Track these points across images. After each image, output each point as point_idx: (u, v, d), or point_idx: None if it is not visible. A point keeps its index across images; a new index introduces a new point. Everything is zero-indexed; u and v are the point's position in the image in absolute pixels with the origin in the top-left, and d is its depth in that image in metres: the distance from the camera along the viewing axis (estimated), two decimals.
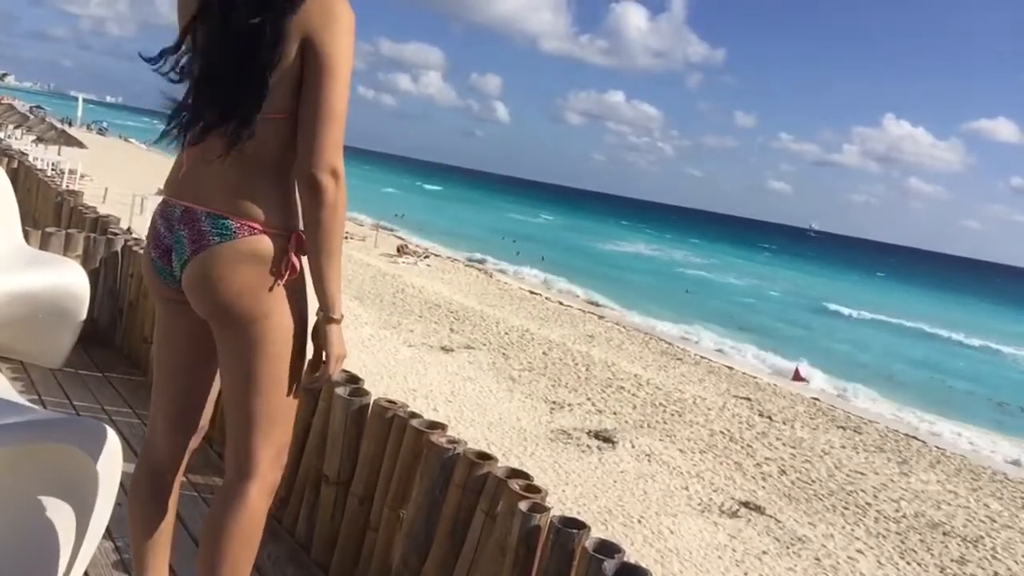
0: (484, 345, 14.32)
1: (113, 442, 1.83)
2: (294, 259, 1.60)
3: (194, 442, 1.83)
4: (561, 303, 23.58)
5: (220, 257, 1.56)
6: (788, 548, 7.69)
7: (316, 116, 1.52)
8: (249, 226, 1.56)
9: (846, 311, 38.07)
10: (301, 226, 1.61)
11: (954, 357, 29.82)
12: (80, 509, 1.81)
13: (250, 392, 1.63)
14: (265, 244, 1.57)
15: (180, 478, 1.84)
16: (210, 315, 1.62)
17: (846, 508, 9.19)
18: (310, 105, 1.53)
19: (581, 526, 1.79)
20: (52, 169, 17.13)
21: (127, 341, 4.36)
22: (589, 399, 11.82)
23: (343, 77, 1.53)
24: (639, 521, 7.62)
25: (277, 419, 1.66)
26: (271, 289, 1.58)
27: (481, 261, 31.03)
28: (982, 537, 9.21)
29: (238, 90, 1.52)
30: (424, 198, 79.35)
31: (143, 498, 1.79)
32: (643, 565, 1.71)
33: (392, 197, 65.08)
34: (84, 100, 59.05)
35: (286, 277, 1.59)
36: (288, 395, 1.67)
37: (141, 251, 4.30)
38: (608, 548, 1.72)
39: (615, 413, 11.29)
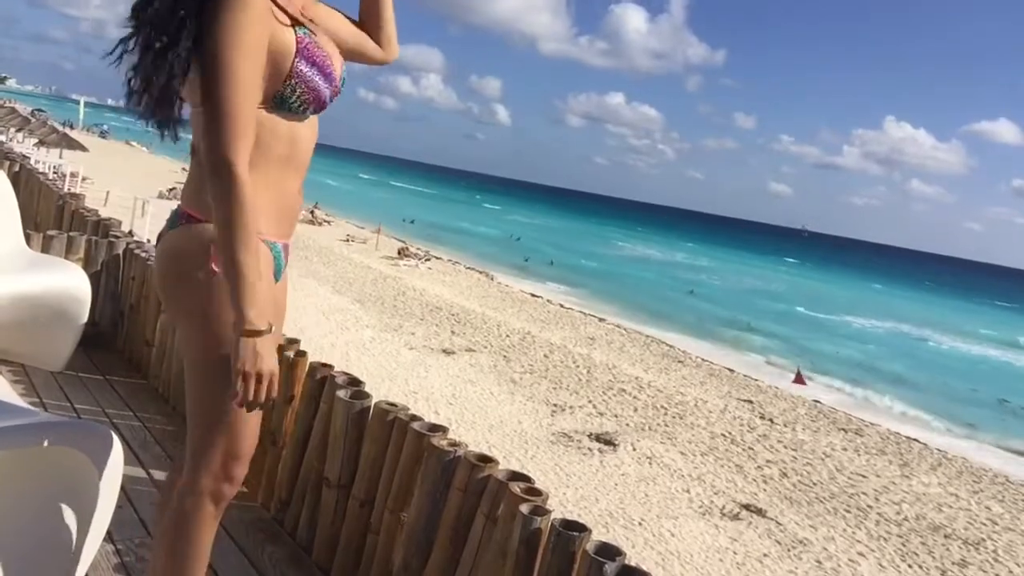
0: (485, 348, 14.32)
1: (115, 445, 1.83)
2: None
3: None
4: (562, 306, 23.58)
5: (163, 244, 1.60)
6: (789, 551, 7.68)
7: (206, 110, 1.46)
8: (188, 215, 1.57)
9: (833, 317, 37.89)
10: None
11: (957, 362, 29.76)
12: (81, 512, 1.80)
13: (188, 392, 1.60)
14: (196, 233, 1.54)
15: None
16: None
17: (847, 511, 9.18)
18: (202, 99, 1.48)
19: (582, 529, 1.79)
20: (54, 172, 17.15)
21: (128, 344, 4.36)
22: (590, 402, 11.81)
23: (224, 68, 1.44)
24: (640, 524, 7.62)
25: (213, 427, 1.55)
26: (199, 283, 1.52)
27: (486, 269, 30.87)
28: (983, 540, 9.20)
29: (156, 90, 1.51)
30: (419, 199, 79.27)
31: (161, 502, 1.81)
32: (644, 568, 1.71)
33: (386, 199, 64.84)
34: (85, 103, 59.11)
35: (210, 270, 1.51)
36: (221, 405, 1.52)
37: (143, 254, 4.30)
38: (609, 551, 1.72)
39: (616, 416, 11.29)
